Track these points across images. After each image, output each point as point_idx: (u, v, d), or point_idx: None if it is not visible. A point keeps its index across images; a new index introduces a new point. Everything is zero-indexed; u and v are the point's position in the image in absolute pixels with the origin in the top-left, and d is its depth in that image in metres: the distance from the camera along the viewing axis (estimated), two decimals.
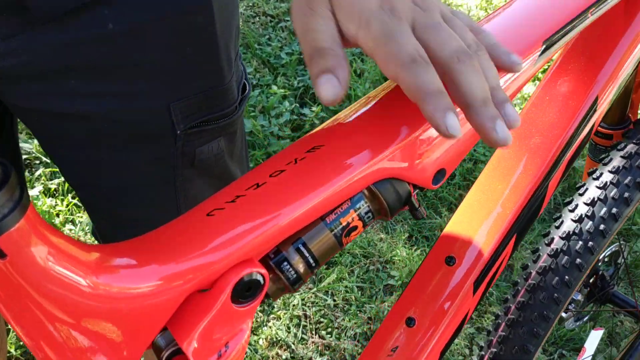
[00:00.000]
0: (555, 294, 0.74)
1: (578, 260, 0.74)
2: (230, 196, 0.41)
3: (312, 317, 1.44)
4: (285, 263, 0.44)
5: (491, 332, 0.80)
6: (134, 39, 0.54)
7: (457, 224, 0.64)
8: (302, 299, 1.47)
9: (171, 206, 0.70)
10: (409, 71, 0.37)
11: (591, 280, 1.10)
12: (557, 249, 0.75)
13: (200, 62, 0.60)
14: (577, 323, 1.16)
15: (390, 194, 0.46)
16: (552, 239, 0.76)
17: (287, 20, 2.26)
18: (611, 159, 0.76)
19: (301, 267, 0.44)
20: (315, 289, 1.50)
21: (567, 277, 0.74)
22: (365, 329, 1.45)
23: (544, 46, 0.47)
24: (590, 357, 1.20)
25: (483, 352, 0.80)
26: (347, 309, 1.48)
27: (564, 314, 1.08)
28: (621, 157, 0.76)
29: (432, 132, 0.45)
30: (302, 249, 0.44)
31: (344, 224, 0.45)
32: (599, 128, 0.86)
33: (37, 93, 0.56)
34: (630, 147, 0.76)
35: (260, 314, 1.44)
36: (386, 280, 1.56)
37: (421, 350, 0.63)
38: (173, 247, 0.39)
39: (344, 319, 1.46)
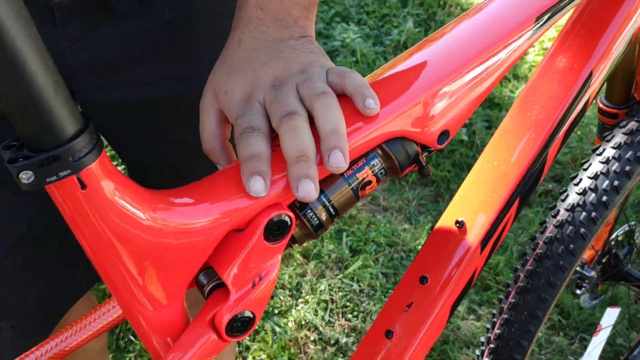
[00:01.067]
0: (561, 262, 0.80)
1: (582, 230, 0.79)
2: None
3: (338, 301, 1.51)
4: (310, 211, 0.51)
5: (502, 300, 0.85)
6: (186, 25, 0.62)
7: (466, 191, 0.70)
8: (329, 285, 1.54)
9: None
10: (238, 141, 0.46)
11: (605, 260, 1.14)
12: (562, 220, 0.80)
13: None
14: (593, 302, 1.21)
15: (400, 153, 0.53)
16: (558, 211, 0.81)
17: None
18: (614, 136, 0.82)
19: (323, 216, 0.51)
20: (341, 275, 1.56)
21: (572, 246, 0.79)
22: None
23: (537, 22, 0.54)
24: (607, 334, 1.24)
25: (495, 319, 0.86)
26: (372, 294, 1.55)
27: (578, 291, 1.13)
28: (623, 133, 0.81)
29: (438, 97, 0.51)
30: (324, 199, 0.51)
31: (360, 179, 0.52)
32: (605, 107, 0.91)
33: (108, 84, 0.63)
34: (632, 124, 0.82)
35: (289, 298, 1.51)
36: None
37: (434, 305, 0.69)
38: (217, 192, 0.46)
39: (369, 303, 1.52)
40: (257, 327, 1.44)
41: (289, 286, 1.53)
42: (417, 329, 0.70)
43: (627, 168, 0.79)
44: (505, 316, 0.84)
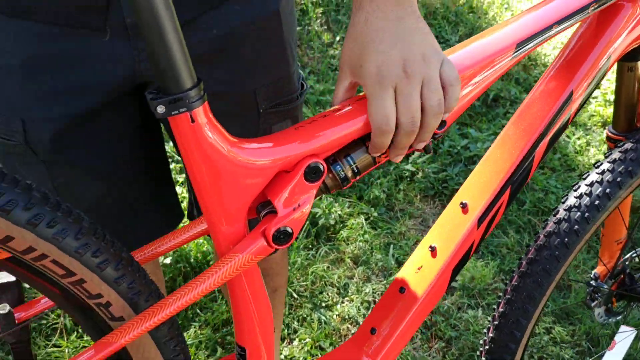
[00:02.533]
0: (557, 252, 0.95)
1: (576, 227, 0.95)
2: (309, 120, 0.70)
3: None
4: (339, 167, 0.72)
5: (515, 271, 1.00)
6: (230, 40, 0.79)
7: (471, 179, 0.88)
8: (374, 289, 1.71)
9: None
10: (375, 132, 0.67)
11: (619, 279, 1.26)
12: (560, 218, 0.96)
13: (274, 56, 0.83)
14: (609, 319, 1.32)
15: None
16: (558, 210, 0.97)
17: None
18: (611, 154, 0.98)
19: (349, 173, 0.72)
20: (385, 282, 1.74)
21: (566, 239, 0.95)
22: (425, 319, 1.67)
23: (517, 48, 0.73)
24: (623, 354, 1.34)
25: (507, 287, 1.01)
26: None
27: (592, 303, 1.25)
28: (619, 151, 0.97)
29: None
30: (351, 161, 0.72)
31: None
32: (611, 135, 1.06)
33: None
34: (627, 145, 0.97)
35: (336, 295, 1.70)
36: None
37: (438, 268, 0.87)
38: (275, 143, 0.68)
39: None
40: (305, 315, 1.63)
41: (337, 285, 1.72)
42: (423, 287, 0.88)
43: (619, 179, 0.94)
44: (515, 283, 0.99)
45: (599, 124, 2.42)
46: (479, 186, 0.86)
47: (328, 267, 1.77)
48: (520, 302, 0.98)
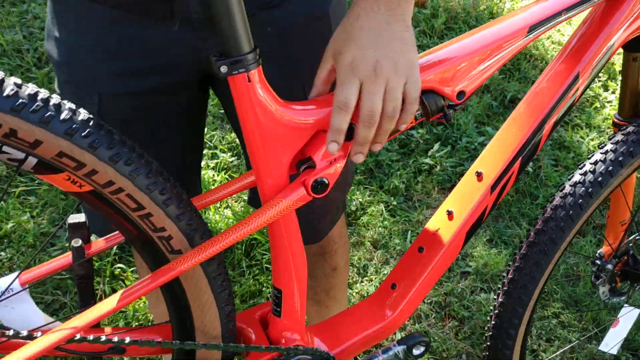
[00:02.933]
0: (562, 224, 1.05)
1: (580, 201, 1.04)
2: None
3: None
4: None
5: (523, 241, 1.10)
6: (283, 38, 0.89)
7: (485, 152, 0.98)
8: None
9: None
10: (334, 110, 0.75)
11: (623, 260, 1.35)
12: (566, 192, 1.06)
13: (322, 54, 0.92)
14: (613, 299, 1.40)
15: (432, 103, 0.83)
16: (564, 186, 1.07)
17: None
18: (615, 136, 1.07)
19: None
20: None
21: (571, 212, 1.04)
22: (440, 300, 1.76)
23: (529, 31, 0.83)
24: (627, 331, 1.42)
25: (515, 256, 1.10)
26: None
27: (596, 281, 1.34)
28: (621, 134, 1.06)
29: (458, 70, 0.82)
30: None
31: None
32: (617, 121, 1.16)
33: None
34: (630, 128, 1.07)
35: (356, 275, 1.80)
36: (464, 268, 1.87)
37: (454, 230, 0.97)
38: (314, 106, 0.79)
39: None
40: None
41: (357, 265, 1.83)
42: (440, 247, 0.98)
43: (620, 158, 1.04)
44: (523, 252, 1.08)
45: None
46: (493, 157, 0.96)
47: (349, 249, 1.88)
48: (527, 269, 1.08)
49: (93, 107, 0.88)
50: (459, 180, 1.94)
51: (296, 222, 0.85)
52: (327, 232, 1.17)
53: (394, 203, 2.04)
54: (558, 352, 1.67)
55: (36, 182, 1.89)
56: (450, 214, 0.98)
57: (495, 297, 1.15)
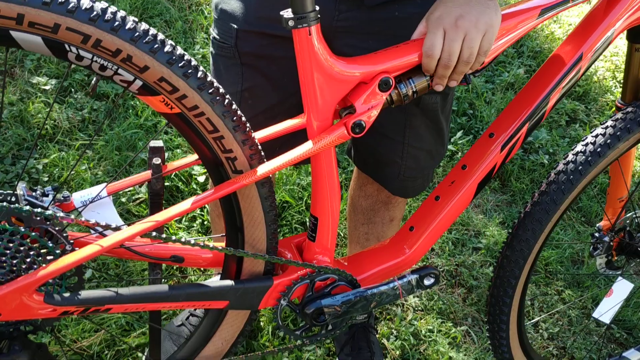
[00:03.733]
0: (562, 187, 1.21)
1: (580, 167, 1.20)
2: (386, 49, 0.98)
3: None
4: (402, 86, 1.00)
5: (527, 204, 1.26)
6: (401, 23, 1.08)
7: (498, 118, 1.15)
8: None
9: (399, 131, 1.24)
10: (424, 56, 0.94)
11: (619, 235, 1.50)
12: (568, 160, 1.22)
13: None
14: (609, 272, 1.55)
15: None
16: (567, 155, 1.23)
17: None
18: (615, 115, 1.23)
19: (409, 92, 1.00)
20: None
21: (571, 177, 1.20)
22: (452, 269, 1.93)
23: (541, 13, 1.00)
24: (620, 303, 1.57)
25: (520, 214, 1.26)
26: (441, 254, 1.97)
27: (594, 252, 1.49)
28: (621, 113, 1.22)
29: None
30: (412, 83, 1.00)
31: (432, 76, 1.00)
32: (620, 105, 1.31)
33: (348, 45, 1.11)
34: (629, 109, 1.22)
35: None
36: (476, 244, 2.03)
37: (466, 182, 1.14)
38: (359, 62, 0.97)
39: (437, 260, 1.94)
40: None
41: None
42: (454, 196, 1.15)
43: (618, 133, 1.19)
44: (528, 210, 1.25)
45: None
46: (505, 121, 1.13)
47: None
48: (530, 224, 1.24)
49: (231, 40, 1.13)
50: None
51: (335, 160, 1.03)
52: (416, 192, 1.38)
53: None
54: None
55: (94, 137, 2.10)
56: (465, 169, 1.15)
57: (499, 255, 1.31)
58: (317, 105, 0.96)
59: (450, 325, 1.76)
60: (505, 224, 2.14)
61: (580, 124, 2.63)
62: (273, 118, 1.14)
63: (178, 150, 2.12)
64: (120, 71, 0.83)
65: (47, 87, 2.21)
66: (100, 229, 0.98)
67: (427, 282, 1.15)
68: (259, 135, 1.01)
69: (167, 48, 0.84)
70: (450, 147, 2.37)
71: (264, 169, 0.95)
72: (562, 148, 2.46)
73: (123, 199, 1.92)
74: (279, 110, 1.18)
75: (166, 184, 1.98)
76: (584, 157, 1.20)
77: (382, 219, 1.49)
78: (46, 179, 1.93)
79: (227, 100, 0.91)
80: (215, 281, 1.06)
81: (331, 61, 0.94)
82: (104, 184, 1.04)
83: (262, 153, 0.98)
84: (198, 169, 2.04)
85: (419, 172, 1.34)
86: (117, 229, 0.92)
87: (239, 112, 0.94)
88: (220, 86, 0.91)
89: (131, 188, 1.93)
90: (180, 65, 0.85)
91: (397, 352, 1.67)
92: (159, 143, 1.06)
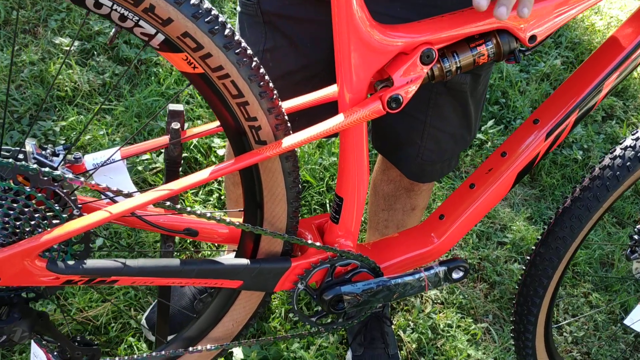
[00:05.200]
0: (598, 193, 1.12)
1: (617, 173, 1.10)
2: (430, 19, 0.89)
3: None
4: (446, 61, 0.91)
5: (567, 197, 1.17)
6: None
7: (544, 103, 1.06)
8: None
9: (421, 109, 1.15)
10: None
11: None
12: (605, 165, 1.12)
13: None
14: None
15: (505, 44, 0.91)
16: (604, 158, 1.13)
17: None
18: None
19: (453, 67, 0.91)
20: None
21: (607, 183, 1.11)
22: (474, 263, 1.84)
23: None
24: None
25: (558, 209, 1.18)
26: (464, 246, 1.88)
27: (631, 255, 1.40)
28: None
29: (533, 13, 0.89)
30: (457, 58, 0.91)
31: (479, 52, 0.92)
32: None
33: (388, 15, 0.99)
34: None
35: None
36: (501, 238, 1.94)
37: (506, 170, 1.06)
38: (402, 30, 0.88)
39: (459, 252, 1.86)
40: None
41: None
42: (491, 185, 1.07)
43: None
44: (558, 217, 1.16)
45: None
46: (552, 107, 1.04)
47: None
48: (568, 221, 1.15)
49: None
50: None
51: (366, 136, 0.95)
52: (434, 178, 1.29)
53: None
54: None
55: (113, 103, 2.04)
56: (504, 156, 1.07)
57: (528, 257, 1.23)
58: (351, 76, 0.88)
59: (470, 321, 1.69)
60: (532, 219, 2.05)
61: (617, 121, 2.52)
62: (293, 86, 1.06)
63: (199, 122, 2.05)
64: (141, 22, 0.76)
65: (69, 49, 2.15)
66: (111, 194, 0.92)
67: (455, 275, 1.07)
68: (286, 105, 0.94)
69: (194, 0, 0.76)
70: (479, 135, 2.27)
71: (289, 141, 0.88)
72: (597, 144, 2.35)
73: (140, 167, 1.86)
74: (300, 78, 1.10)
75: (184, 154, 1.92)
76: (633, 152, 1.11)
77: (404, 207, 1.41)
78: (62, 142, 1.88)
79: (254, 63, 0.83)
80: (229, 259, 0.99)
81: (371, 27, 0.86)
82: (118, 147, 0.98)
83: (289, 124, 0.91)
84: (218, 142, 1.97)
85: (439, 156, 1.24)
86: (129, 195, 0.86)
87: (266, 77, 0.86)
88: (248, 47, 0.84)
89: (148, 156, 1.87)
90: (206, 20, 0.77)
91: (413, 346, 1.60)
92: (179, 107, 0.99)
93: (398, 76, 0.89)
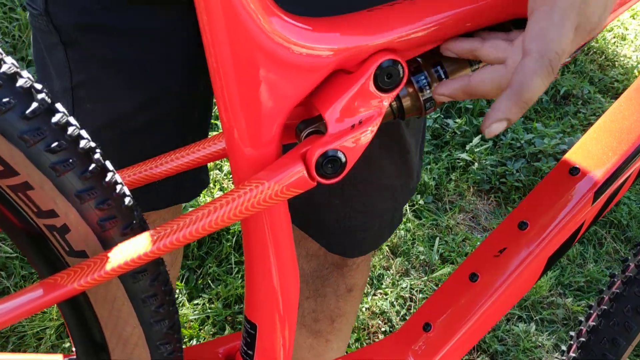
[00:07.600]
0: None
1: None
2: (392, 3, 0.48)
3: (418, 301, 1.45)
4: (423, 79, 0.49)
5: (605, 291, 0.77)
6: None
7: (588, 139, 0.65)
8: (412, 285, 1.48)
9: None
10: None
11: None
12: None
13: None
14: None
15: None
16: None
17: None
18: None
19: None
20: (426, 278, 1.51)
21: None
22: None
23: None
24: None
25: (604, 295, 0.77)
26: None
27: None
28: None
29: None
30: (441, 70, 0.49)
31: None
32: None
33: None
34: None
35: (368, 287, 1.47)
36: None
37: (529, 252, 0.64)
38: (335, 27, 0.46)
39: None
40: None
41: (370, 274, 1.50)
42: (504, 275, 0.65)
43: None
44: (605, 307, 0.76)
45: None
46: (601, 148, 0.63)
47: None
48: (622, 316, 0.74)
49: (40, 2, 0.62)
50: (500, 182, 1.58)
51: (288, 219, 0.53)
52: (371, 248, 0.84)
53: (421, 202, 1.71)
54: None
55: None
56: (524, 227, 0.65)
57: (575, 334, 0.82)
58: (242, 121, 0.46)
59: None
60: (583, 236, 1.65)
61: None
62: (131, 137, 0.65)
63: None
64: None
65: None
66: None
67: None
68: (132, 173, 0.51)
69: None
70: (464, 155, 1.87)
71: (132, 251, 0.45)
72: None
73: None
74: (140, 124, 0.66)
75: None
76: None
77: (337, 291, 0.91)
78: None
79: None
80: None
81: (270, 22, 0.43)
82: None
83: (135, 212, 0.48)
84: None
85: (371, 218, 0.80)
86: None
87: (71, 129, 0.43)
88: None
89: None
90: None
91: None
92: None
93: (335, 115, 0.46)
